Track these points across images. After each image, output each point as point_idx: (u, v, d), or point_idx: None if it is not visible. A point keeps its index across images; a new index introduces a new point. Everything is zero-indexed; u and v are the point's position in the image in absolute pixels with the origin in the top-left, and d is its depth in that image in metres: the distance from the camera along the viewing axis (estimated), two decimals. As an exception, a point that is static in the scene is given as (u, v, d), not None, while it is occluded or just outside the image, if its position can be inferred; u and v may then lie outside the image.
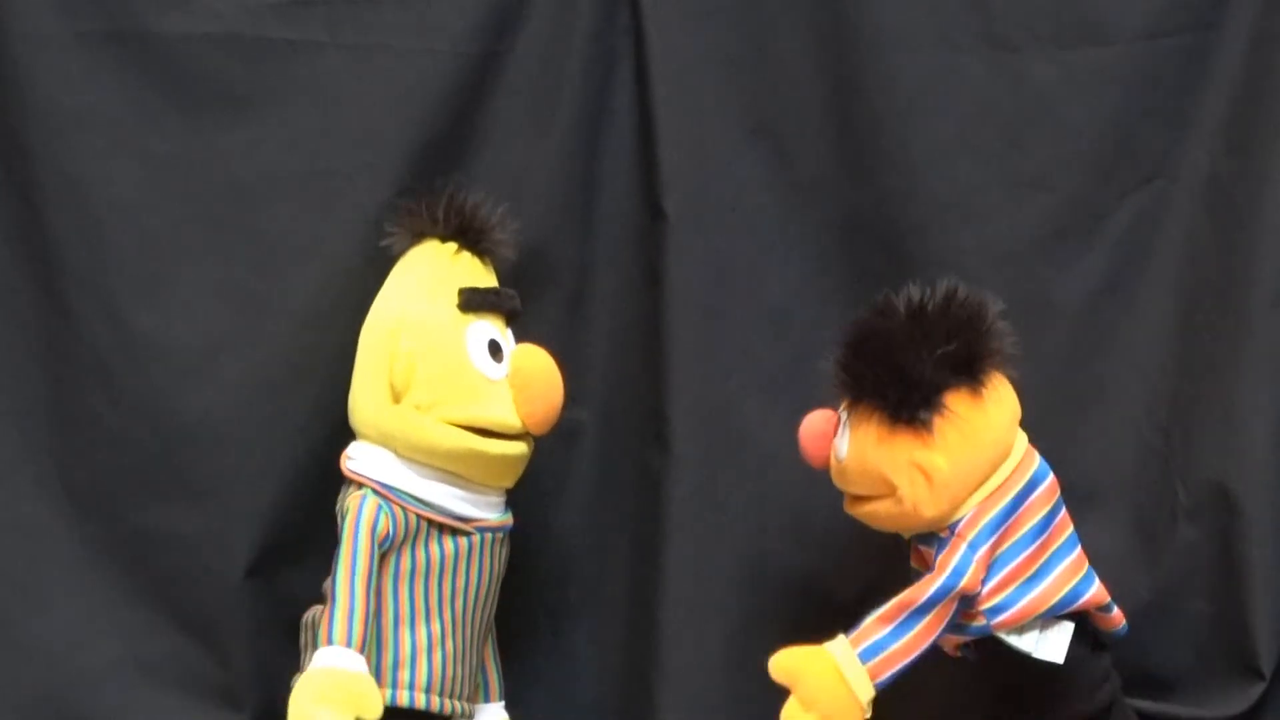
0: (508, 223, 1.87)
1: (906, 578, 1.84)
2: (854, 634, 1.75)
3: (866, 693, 1.74)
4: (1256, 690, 1.97)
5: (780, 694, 1.84)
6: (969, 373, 1.77)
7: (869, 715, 1.75)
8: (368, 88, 1.95)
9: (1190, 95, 2.03)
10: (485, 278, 1.86)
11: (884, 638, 1.74)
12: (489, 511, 1.85)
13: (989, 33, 2.02)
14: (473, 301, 1.82)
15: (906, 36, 2.01)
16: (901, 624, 1.74)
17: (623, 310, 2.02)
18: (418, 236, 1.86)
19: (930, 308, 1.77)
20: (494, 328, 1.84)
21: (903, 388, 1.75)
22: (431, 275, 1.83)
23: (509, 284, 1.90)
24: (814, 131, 2.03)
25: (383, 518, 1.78)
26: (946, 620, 1.75)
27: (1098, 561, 1.86)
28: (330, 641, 1.74)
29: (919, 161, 2.01)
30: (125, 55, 1.93)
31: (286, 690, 1.84)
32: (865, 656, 1.74)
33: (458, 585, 1.83)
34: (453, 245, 1.85)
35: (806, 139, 2.03)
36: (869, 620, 1.75)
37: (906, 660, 1.74)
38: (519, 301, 1.87)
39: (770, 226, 2.03)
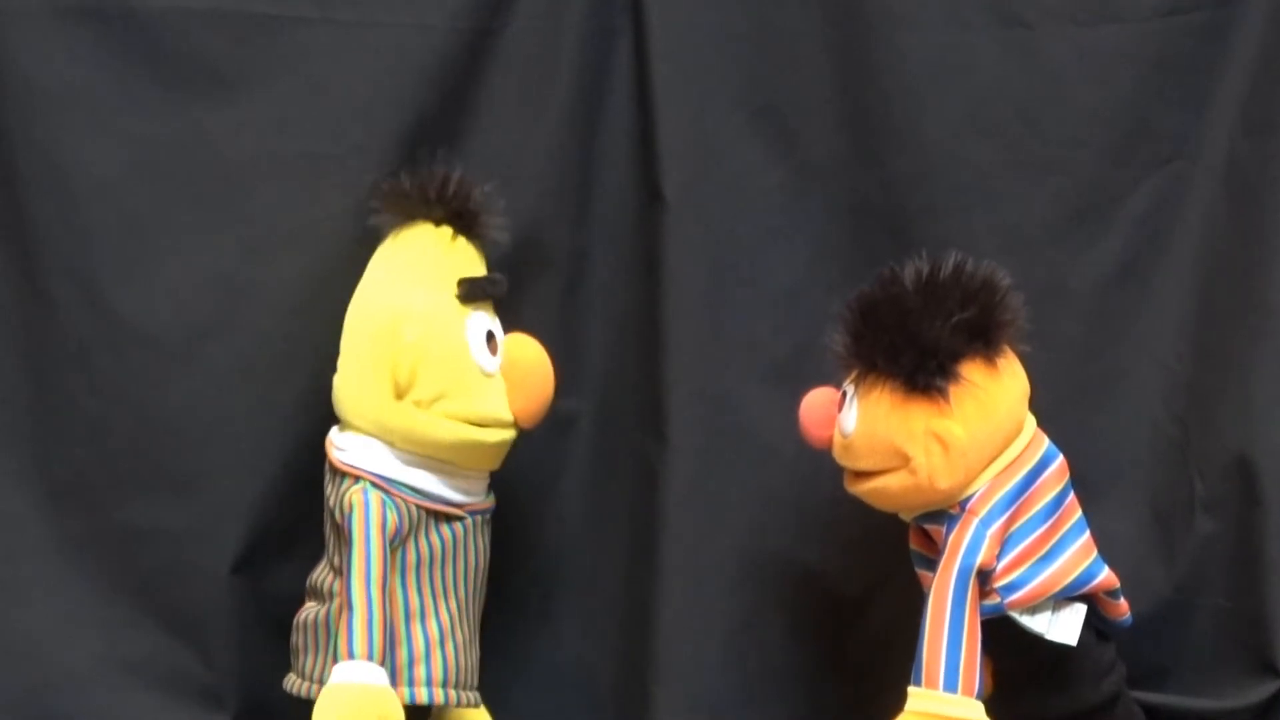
0: (499, 205, 1.84)
1: (910, 573, 1.82)
2: (922, 676, 1.73)
3: (977, 710, 1.73)
4: (1271, 687, 1.95)
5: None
6: (984, 341, 1.75)
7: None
8: (358, 65, 1.92)
9: (1208, 74, 2.01)
10: (479, 265, 1.84)
11: (948, 659, 1.72)
12: (476, 495, 1.83)
13: (1001, 10, 1.99)
14: (474, 292, 1.80)
15: (916, 13, 1.98)
16: (952, 634, 1.72)
17: (620, 297, 2.00)
18: (408, 217, 1.83)
19: (941, 277, 1.75)
20: (489, 318, 1.82)
21: (917, 355, 1.73)
22: (430, 263, 1.81)
23: (499, 268, 1.88)
24: (820, 112, 2.00)
25: (389, 513, 1.76)
26: (978, 599, 1.74)
27: (1112, 554, 1.84)
28: (351, 655, 1.72)
29: (929, 143, 1.99)
30: (105, 30, 1.89)
31: (272, 690, 1.84)
32: (949, 686, 1.72)
33: (457, 573, 1.82)
34: (448, 230, 1.82)
35: (812, 119, 2.00)
36: (924, 652, 1.73)
37: (978, 653, 1.73)
38: (507, 284, 1.85)
39: (774, 210, 2.01)
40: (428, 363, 1.77)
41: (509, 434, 1.81)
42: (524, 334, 1.83)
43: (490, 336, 1.80)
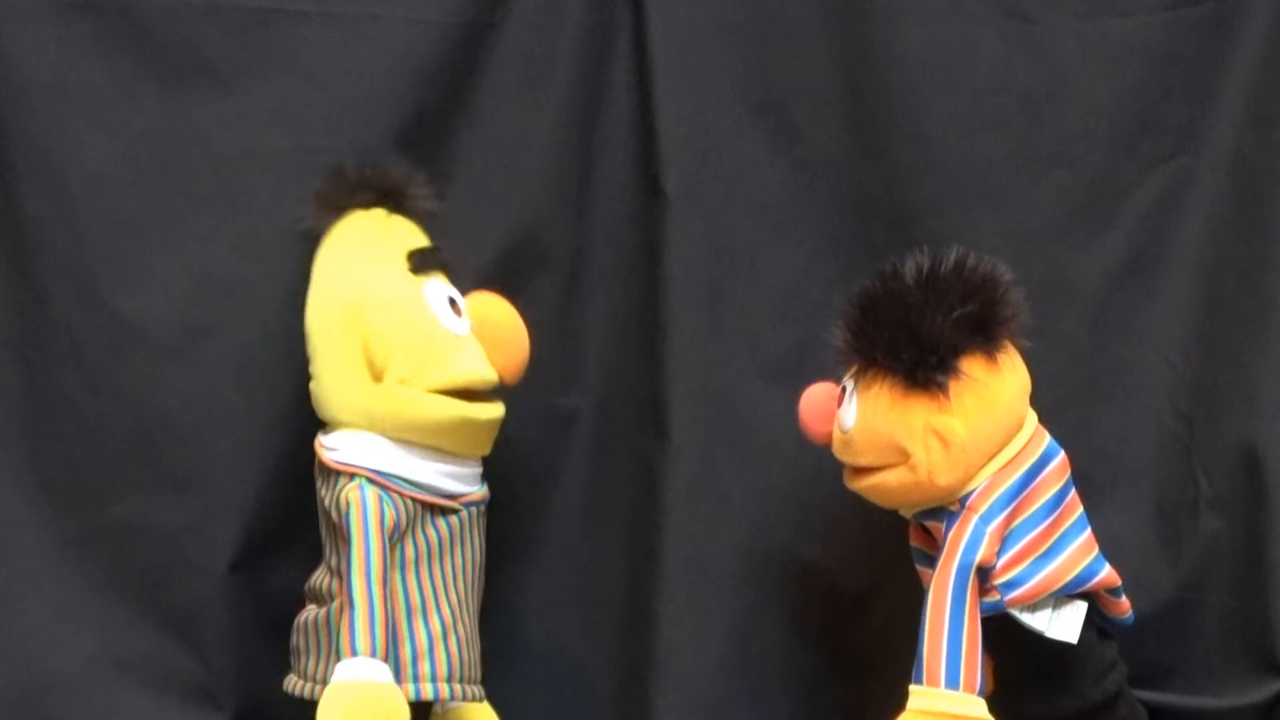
0: (420, 177, 1.85)
1: (912, 571, 1.82)
2: (923, 675, 1.72)
3: (979, 706, 1.72)
4: (1275, 686, 1.94)
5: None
6: (985, 336, 1.74)
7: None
8: (354, 59, 1.91)
9: (1213, 68, 2.00)
10: (420, 237, 1.85)
11: (949, 657, 1.72)
12: (471, 485, 1.83)
13: (1004, 3, 1.98)
14: (424, 262, 1.80)
15: (920, 6, 1.97)
16: (952, 631, 1.72)
17: (620, 293, 1.99)
18: (338, 210, 1.84)
19: (942, 271, 1.74)
20: (445, 284, 1.82)
21: (918, 350, 1.72)
22: (373, 244, 1.81)
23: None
24: (822, 105, 1.99)
25: (386, 508, 1.76)
26: (977, 596, 1.73)
27: (1116, 552, 1.83)
28: (354, 652, 1.71)
29: (932, 137, 1.98)
30: (101, 24, 1.89)
31: (270, 689, 1.83)
32: (950, 683, 1.71)
33: (456, 566, 1.81)
34: (380, 211, 1.83)
35: (814, 113, 1.99)
36: (924, 651, 1.72)
37: (978, 651, 1.72)
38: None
39: (775, 205, 2.00)
40: (399, 338, 1.77)
41: (497, 409, 1.81)
42: (484, 291, 1.83)
43: (452, 301, 1.81)
